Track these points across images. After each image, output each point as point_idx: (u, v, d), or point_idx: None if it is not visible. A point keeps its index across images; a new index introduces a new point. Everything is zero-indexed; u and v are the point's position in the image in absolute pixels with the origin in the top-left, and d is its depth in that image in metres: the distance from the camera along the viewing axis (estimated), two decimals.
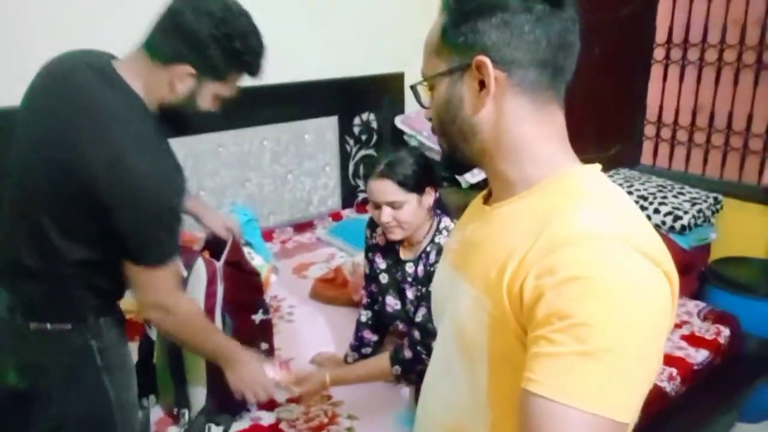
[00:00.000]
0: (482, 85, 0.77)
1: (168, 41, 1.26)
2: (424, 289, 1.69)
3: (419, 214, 1.67)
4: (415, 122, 3.36)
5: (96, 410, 1.36)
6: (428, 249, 1.71)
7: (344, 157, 3.32)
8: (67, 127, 1.22)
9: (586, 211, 0.71)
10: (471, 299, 0.78)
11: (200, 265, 1.62)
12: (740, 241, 2.81)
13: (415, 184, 1.63)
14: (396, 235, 1.68)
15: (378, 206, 1.67)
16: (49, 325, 1.30)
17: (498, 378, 0.77)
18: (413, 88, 0.88)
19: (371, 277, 1.86)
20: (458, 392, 0.85)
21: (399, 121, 3.42)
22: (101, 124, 1.21)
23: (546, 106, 0.79)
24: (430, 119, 0.87)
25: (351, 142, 3.34)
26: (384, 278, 1.81)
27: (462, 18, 0.77)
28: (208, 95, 1.32)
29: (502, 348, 0.74)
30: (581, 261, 0.66)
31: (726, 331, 2.25)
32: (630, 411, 0.65)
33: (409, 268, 1.75)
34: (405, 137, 3.38)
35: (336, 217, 3.24)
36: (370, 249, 1.85)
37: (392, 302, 1.80)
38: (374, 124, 3.42)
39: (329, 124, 3.23)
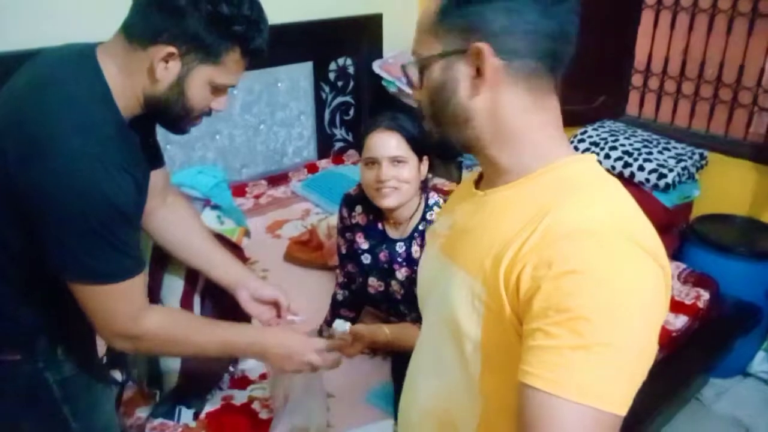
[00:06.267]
0: (479, 71, 0.75)
1: (143, 16, 1.03)
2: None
3: (415, 182, 1.60)
4: (393, 68, 3.20)
5: None
6: (421, 227, 1.63)
7: (319, 105, 3.18)
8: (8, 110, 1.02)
9: (585, 204, 0.71)
10: (466, 288, 0.77)
11: None
12: (723, 198, 2.76)
13: (417, 146, 1.58)
14: (391, 199, 1.58)
15: (374, 164, 1.57)
16: None
17: (491, 367, 0.77)
18: (403, 68, 0.83)
19: (348, 256, 1.78)
20: (448, 380, 0.84)
21: (377, 66, 3.25)
22: (39, 106, 0.99)
23: (543, 94, 0.78)
24: (417, 101, 0.84)
25: (326, 89, 3.19)
26: (366, 259, 1.73)
27: (465, 0, 0.75)
28: (200, 83, 1.07)
29: (497, 338, 0.74)
30: (580, 254, 0.66)
31: (705, 295, 2.23)
32: (626, 404, 0.66)
33: (400, 247, 1.67)
34: (383, 83, 3.23)
35: (312, 168, 3.13)
36: (349, 229, 1.75)
37: (375, 284, 1.73)
38: (351, 70, 3.26)
39: (303, 71, 3.07)
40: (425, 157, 1.62)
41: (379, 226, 1.70)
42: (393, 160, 1.56)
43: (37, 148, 0.96)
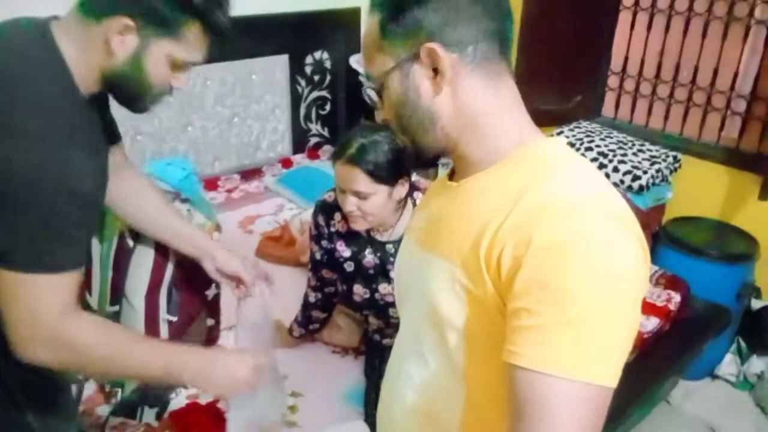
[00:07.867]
0: (435, 71, 0.76)
1: None
2: None
3: (387, 206, 1.53)
4: None
5: None
6: None
7: (295, 98, 3.13)
8: None
9: (562, 181, 0.72)
10: (446, 275, 0.77)
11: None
12: (695, 200, 2.79)
13: (387, 176, 1.48)
14: (358, 225, 1.55)
15: (343, 191, 1.52)
16: None
17: (476, 353, 0.77)
18: (365, 92, 0.84)
19: (324, 263, 1.73)
20: (431, 372, 0.84)
21: (354, 61, 3.22)
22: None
23: (498, 77, 0.78)
24: (384, 120, 0.84)
25: (302, 82, 3.14)
26: (350, 266, 1.67)
27: (399, 9, 0.76)
28: (159, 58, 1.02)
29: (481, 322, 0.74)
30: (558, 230, 0.67)
31: (677, 297, 2.23)
32: (615, 376, 0.66)
33: (389, 249, 1.62)
34: (360, 78, 3.20)
35: (286, 163, 3.08)
36: (326, 237, 1.69)
37: (360, 291, 1.67)
38: (327, 64, 3.22)
39: (279, 63, 3.02)
40: (402, 180, 1.51)
41: (363, 232, 1.63)
42: (356, 194, 1.49)
43: None
